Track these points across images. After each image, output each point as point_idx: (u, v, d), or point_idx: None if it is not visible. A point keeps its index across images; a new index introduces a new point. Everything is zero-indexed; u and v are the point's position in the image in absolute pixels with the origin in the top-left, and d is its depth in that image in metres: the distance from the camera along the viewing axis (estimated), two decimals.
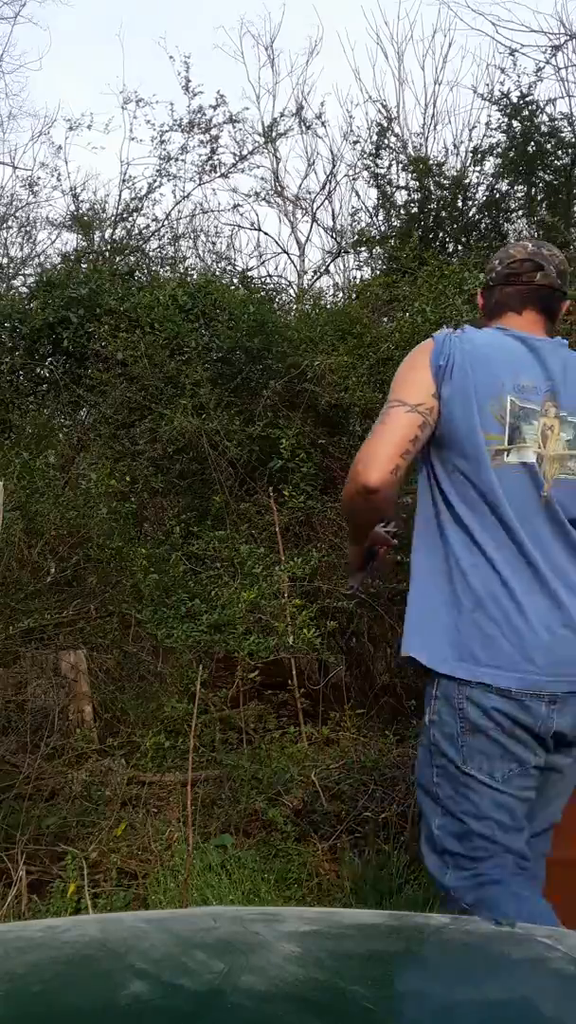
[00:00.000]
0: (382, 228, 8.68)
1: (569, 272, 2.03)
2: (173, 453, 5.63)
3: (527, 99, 7.85)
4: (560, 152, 7.88)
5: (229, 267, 9.28)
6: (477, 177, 8.34)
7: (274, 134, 9.72)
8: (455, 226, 8.34)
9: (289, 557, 4.28)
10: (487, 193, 8.33)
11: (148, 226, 9.85)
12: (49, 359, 7.04)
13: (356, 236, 8.77)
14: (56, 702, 3.79)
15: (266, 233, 13.17)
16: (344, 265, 9.57)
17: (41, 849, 2.99)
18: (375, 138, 8.69)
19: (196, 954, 0.91)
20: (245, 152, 9.67)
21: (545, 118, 7.91)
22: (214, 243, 10.44)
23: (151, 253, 9.65)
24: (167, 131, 9.53)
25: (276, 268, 10.23)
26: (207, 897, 2.64)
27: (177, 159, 9.59)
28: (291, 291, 8.77)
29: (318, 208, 9.86)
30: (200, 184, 9.79)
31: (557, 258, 1.98)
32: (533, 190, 8.18)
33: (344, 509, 2.12)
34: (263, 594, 3.98)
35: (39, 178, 11.17)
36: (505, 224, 8.41)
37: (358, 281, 8.40)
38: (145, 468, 5.49)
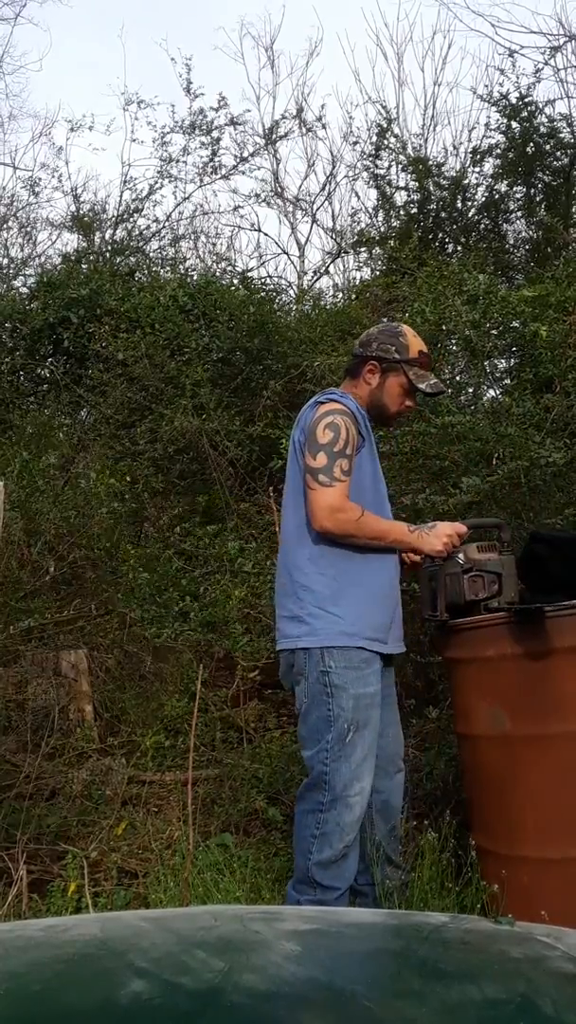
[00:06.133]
0: (382, 229, 8.68)
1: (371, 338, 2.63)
2: (173, 453, 5.63)
3: (526, 100, 7.85)
4: (559, 153, 7.88)
5: (229, 268, 9.27)
6: (476, 178, 8.35)
7: (275, 136, 9.72)
8: (454, 227, 8.34)
9: None
10: (486, 194, 8.33)
11: (149, 227, 9.86)
12: (50, 359, 7.04)
13: (356, 237, 8.77)
14: (56, 701, 3.79)
15: (266, 234, 13.18)
16: (344, 266, 9.58)
17: (42, 848, 2.99)
18: (375, 139, 8.69)
19: (196, 953, 0.91)
20: (246, 154, 9.69)
21: (544, 119, 7.92)
22: (214, 244, 10.44)
23: (151, 254, 9.66)
24: (168, 132, 9.55)
25: (276, 269, 10.20)
26: (207, 896, 2.64)
27: (178, 160, 9.61)
28: (291, 292, 8.77)
29: (318, 209, 9.88)
30: (201, 185, 9.81)
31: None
32: (532, 191, 8.18)
33: None
34: (255, 592, 3.97)
35: (40, 179, 11.19)
36: (504, 225, 8.42)
37: (358, 282, 8.40)
38: (145, 468, 5.49)
